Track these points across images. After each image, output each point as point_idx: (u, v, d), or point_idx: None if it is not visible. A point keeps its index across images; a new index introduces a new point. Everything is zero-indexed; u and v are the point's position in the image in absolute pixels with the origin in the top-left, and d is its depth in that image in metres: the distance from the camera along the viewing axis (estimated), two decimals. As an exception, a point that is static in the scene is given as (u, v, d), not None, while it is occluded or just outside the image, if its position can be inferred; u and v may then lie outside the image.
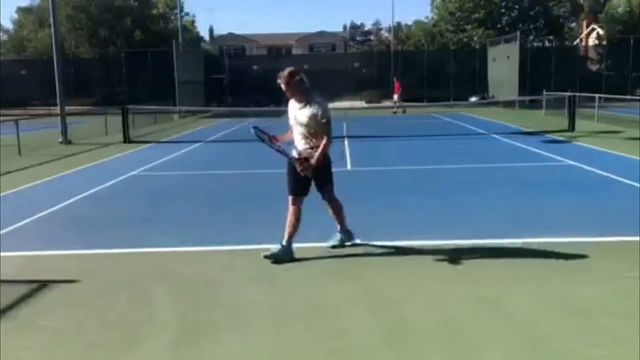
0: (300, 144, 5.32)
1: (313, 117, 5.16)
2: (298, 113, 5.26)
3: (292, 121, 5.37)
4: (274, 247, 5.37)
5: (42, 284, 4.83)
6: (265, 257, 5.29)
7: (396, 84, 29.03)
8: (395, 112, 28.02)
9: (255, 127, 5.41)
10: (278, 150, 5.43)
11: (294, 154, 5.31)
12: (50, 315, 4.24)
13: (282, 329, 3.96)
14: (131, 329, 4.00)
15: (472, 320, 4.00)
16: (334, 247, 5.66)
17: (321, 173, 5.32)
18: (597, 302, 4.26)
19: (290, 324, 4.03)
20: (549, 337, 3.73)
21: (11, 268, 5.35)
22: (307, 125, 5.21)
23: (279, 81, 5.18)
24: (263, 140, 5.43)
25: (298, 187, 5.35)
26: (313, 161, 5.19)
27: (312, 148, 5.24)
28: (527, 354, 3.54)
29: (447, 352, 3.59)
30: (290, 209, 5.38)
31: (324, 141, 5.21)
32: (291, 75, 5.15)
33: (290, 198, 5.40)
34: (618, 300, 4.27)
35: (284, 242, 5.34)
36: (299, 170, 5.20)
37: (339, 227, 5.67)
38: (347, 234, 5.70)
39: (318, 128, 5.20)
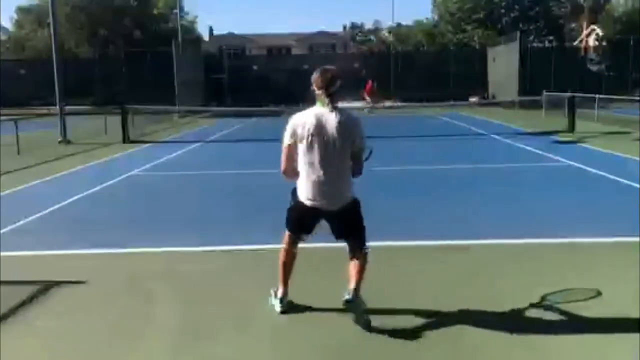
0: None
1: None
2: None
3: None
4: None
5: (42, 284, 4.81)
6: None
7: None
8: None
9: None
10: None
11: None
12: (50, 316, 4.24)
13: (282, 329, 3.96)
14: (131, 329, 4.00)
15: (472, 320, 3.99)
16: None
17: None
18: (597, 302, 4.25)
19: (289, 324, 4.03)
20: (548, 337, 3.72)
21: (10, 268, 5.34)
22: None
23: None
24: None
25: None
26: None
27: None
28: (527, 354, 3.54)
29: (447, 352, 3.58)
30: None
31: None
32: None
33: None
34: (618, 301, 4.27)
35: None
36: None
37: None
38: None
39: None
